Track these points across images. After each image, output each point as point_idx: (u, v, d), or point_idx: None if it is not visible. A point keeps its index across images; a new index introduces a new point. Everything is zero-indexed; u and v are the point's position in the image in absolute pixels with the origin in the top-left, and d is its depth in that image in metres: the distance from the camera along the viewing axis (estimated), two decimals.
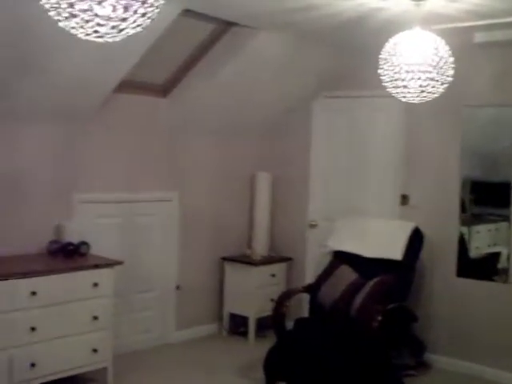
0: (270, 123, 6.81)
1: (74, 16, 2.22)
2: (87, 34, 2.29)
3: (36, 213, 5.22)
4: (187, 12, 4.78)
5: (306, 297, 5.99)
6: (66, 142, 5.40)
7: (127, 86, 5.50)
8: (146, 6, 2.31)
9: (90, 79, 4.93)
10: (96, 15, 2.22)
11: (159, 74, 5.82)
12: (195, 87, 5.85)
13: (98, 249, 5.29)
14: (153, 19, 2.39)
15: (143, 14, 2.33)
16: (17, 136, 5.08)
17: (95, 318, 4.94)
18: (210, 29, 5.51)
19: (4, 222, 5.03)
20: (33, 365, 4.60)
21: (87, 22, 2.23)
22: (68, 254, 5.11)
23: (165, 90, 5.97)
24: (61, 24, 2.27)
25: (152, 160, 6.03)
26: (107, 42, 2.43)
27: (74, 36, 2.37)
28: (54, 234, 5.29)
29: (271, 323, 5.55)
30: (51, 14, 2.26)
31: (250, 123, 6.64)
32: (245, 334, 6.54)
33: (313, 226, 6.74)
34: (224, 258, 6.66)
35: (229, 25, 5.43)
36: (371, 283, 5.26)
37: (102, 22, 2.25)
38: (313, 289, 5.68)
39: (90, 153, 5.55)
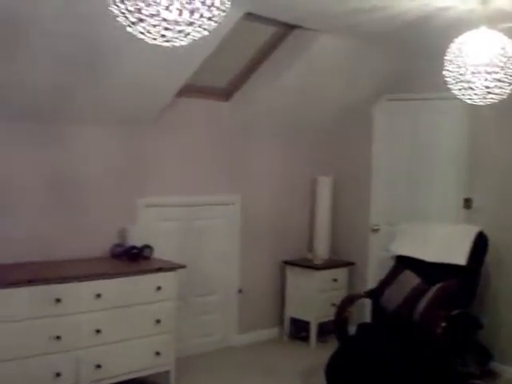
0: (331, 126, 6.75)
1: (142, 21, 2.23)
2: (154, 39, 2.30)
3: (100, 217, 5.29)
4: (249, 15, 4.78)
5: (367, 302, 5.92)
6: (130, 146, 5.45)
7: (190, 89, 5.53)
8: (212, 9, 2.31)
9: (154, 83, 4.97)
10: (163, 20, 2.23)
11: (221, 77, 5.84)
12: (257, 91, 5.85)
13: (160, 252, 5.34)
14: (218, 23, 2.39)
15: (209, 18, 2.33)
16: (81, 140, 5.16)
17: (158, 321, 4.97)
18: (271, 32, 5.49)
19: (69, 225, 5.12)
20: (98, 366, 4.66)
21: (154, 26, 2.23)
22: (132, 258, 5.16)
23: (227, 93, 5.98)
24: (128, 29, 2.29)
25: (214, 163, 6.04)
26: (173, 47, 2.44)
27: (140, 40, 2.38)
28: (118, 238, 5.35)
29: (333, 328, 5.49)
30: (119, 19, 2.28)
31: (311, 126, 6.59)
32: (306, 338, 6.50)
33: (375, 231, 6.66)
34: (285, 262, 6.63)
35: (290, 28, 5.41)
36: (434, 288, 5.15)
37: (169, 26, 2.25)
38: (375, 294, 5.60)
39: (153, 157, 5.59)
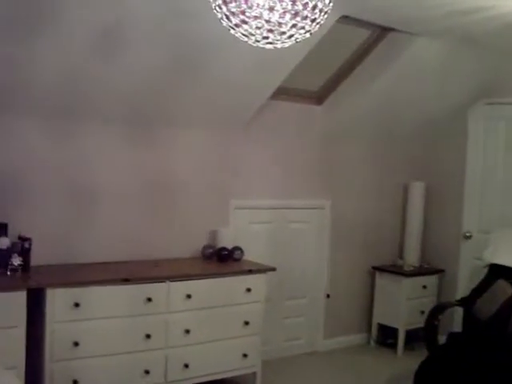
0: (424, 130, 6.60)
1: (245, 23, 2.21)
2: (257, 41, 2.28)
3: (193, 218, 5.34)
4: (344, 18, 4.72)
5: (458, 310, 5.77)
6: (222, 148, 5.48)
7: (282, 92, 5.51)
8: (315, 11, 2.27)
9: (247, 86, 4.97)
10: (267, 22, 2.20)
11: (314, 81, 5.79)
12: (350, 95, 5.78)
13: (250, 254, 5.34)
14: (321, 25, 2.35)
15: (313, 20, 2.29)
16: (174, 142, 5.22)
17: (247, 323, 4.96)
18: (365, 35, 5.42)
19: (163, 226, 5.18)
20: (186, 366, 4.69)
21: (258, 28, 2.21)
22: (222, 259, 5.18)
23: (320, 97, 5.92)
24: (232, 32, 2.27)
25: (305, 167, 6.00)
26: (267, 49, 2.42)
27: (237, 42, 2.37)
28: (209, 239, 5.39)
29: (421, 336, 5.37)
30: (223, 22, 2.26)
31: (404, 131, 6.47)
32: (393, 345, 6.38)
33: (467, 238, 6.47)
34: (375, 268, 6.53)
35: (385, 31, 5.32)
36: None
37: (272, 28, 2.22)
38: (467, 302, 5.44)
39: (245, 159, 5.61)
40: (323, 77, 5.80)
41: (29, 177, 4.58)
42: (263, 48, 2.42)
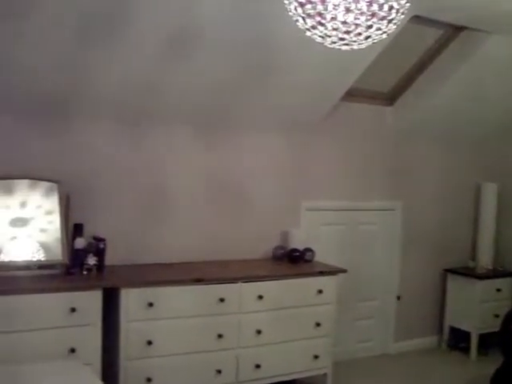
0: (496, 131, 6.45)
1: (322, 25, 2.19)
2: (333, 42, 2.26)
3: (264, 219, 5.33)
4: (415, 18, 4.65)
5: None
6: (294, 150, 5.46)
7: (353, 93, 5.45)
8: (392, 12, 2.24)
9: (319, 87, 4.94)
10: (343, 23, 2.18)
11: (385, 81, 5.72)
12: (422, 95, 5.67)
13: (320, 255, 5.29)
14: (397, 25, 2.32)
15: (389, 21, 2.26)
16: (247, 143, 5.23)
17: (318, 324, 4.92)
18: (437, 34, 5.32)
19: (235, 227, 5.20)
20: (257, 366, 4.68)
21: (335, 30, 2.19)
22: (293, 260, 5.15)
23: (391, 97, 5.84)
24: (308, 33, 2.25)
25: (376, 169, 5.93)
26: (339, 51, 2.40)
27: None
28: (280, 240, 5.38)
29: (496, 340, 5.24)
30: (298, 24, 2.25)
31: (475, 132, 6.32)
32: (465, 349, 6.23)
33: None
34: (446, 270, 6.40)
35: (458, 29, 5.21)
36: None
37: (348, 29, 2.20)
38: None
39: (316, 160, 5.57)
40: (394, 77, 5.72)
41: (103, 179, 4.65)
42: (337, 49, 2.40)
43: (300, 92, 4.93)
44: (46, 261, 4.29)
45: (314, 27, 2.22)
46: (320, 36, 2.24)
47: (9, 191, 4.26)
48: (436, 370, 5.82)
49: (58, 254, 4.32)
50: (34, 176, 4.34)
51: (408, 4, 2.31)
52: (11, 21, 3.62)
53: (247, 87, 4.73)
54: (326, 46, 2.40)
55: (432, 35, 5.33)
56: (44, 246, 4.31)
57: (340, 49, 2.29)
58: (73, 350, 3.99)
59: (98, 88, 4.32)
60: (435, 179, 6.34)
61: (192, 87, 4.56)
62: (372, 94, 5.75)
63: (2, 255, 4.17)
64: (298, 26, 2.33)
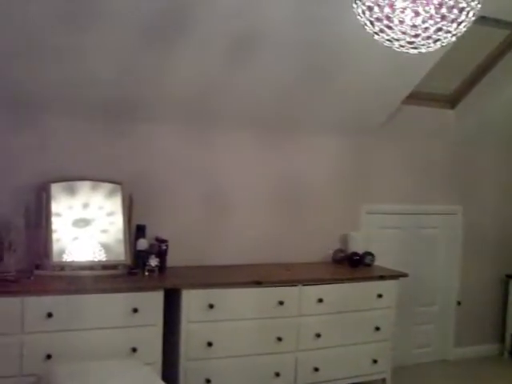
0: None
1: (390, 28, 2.16)
2: (401, 46, 2.22)
3: (324, 222, 5.30)
4: (480, 19, 4.54)
5: None
6: (354, 153, 5.41)
7: (414, 96, 5.36)
8: (462, 14, 2.19)
9: (380, 90, 4.88)
10: (412, 26, 2.15)
11: (447, 84, 5.61)
12: (485, 98, 5.55)
13: (380, 259, 5.23)
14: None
15: (459, 23, 2.21)
16: (305, 147, 5.21)
17: (377, 328, 4.87)
18: (503, 35, 5.20)
19: (293, 230, 5.18)
20: (316, 369, 4.65)
21: (403, 33, 2.15)
22: (353, 264, 5.11)
23: (453, 100, 5.72)
24: (376, 37, 2.22)
25: (438, 172, 5.83)
26: (401, 54, 2.36)
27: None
28: (340, 244, 5.34)
29: None
30: (366, 28, 2.22)
31: None
32: None
33: None
34: (508, 276, 6.24)
35: None
36: None
37: (417, 32, 2.16)
38: None
39: (376, 164, 5.51)
40: (457, 79, 5.61)
41: (166, 180, 4.70)
42: (400, 52, 2.36)
43: (362, 95, 4.89)
44: (109, 261, 4.35)
45: (381, 31, 2.19)
46: (388, 40, 2.21)
47: (72, 192, 4.33)
48: (497, 378, 5.68)
49: (121, 255, 4.37)
50: (98, 178, 4.41)
51: (479, 5, 2.26)
52: (80, 32, 3.69)
53: (310, 90, 4.70)
54: (388, 49, 2.36)
55: (497, 36, 5.21)
56: (105, 247, 4.37)
57: (408, 52, 2.26)
58: (134, 350, 4.03)
59: (161, 91, 4.36)
60: (497, 183, 6.20)
61: (255, 89, 4.56)
62: (434, 97, 5.64)
63: (65, 255, 4.25)
64: (364, 29, 2.30)
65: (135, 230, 4.49)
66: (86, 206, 4.38)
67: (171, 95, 4.41)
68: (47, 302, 3.81)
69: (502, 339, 6.32)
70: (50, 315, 3.80)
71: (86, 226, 4.36)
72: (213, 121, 4.77)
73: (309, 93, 4.73)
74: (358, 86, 4.77)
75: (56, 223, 4.25)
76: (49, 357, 3.80)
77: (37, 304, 3.79)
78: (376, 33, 2.21)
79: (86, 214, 4.37)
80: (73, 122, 4.39)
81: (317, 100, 4.83)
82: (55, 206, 4.26)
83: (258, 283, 4.40)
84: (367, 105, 5.03)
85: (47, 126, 4.33)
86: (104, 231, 4.40)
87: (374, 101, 5.00)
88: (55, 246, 4.21)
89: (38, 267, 4.17)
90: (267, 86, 4.55)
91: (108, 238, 4.40)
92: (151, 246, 4.47)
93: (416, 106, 5.51)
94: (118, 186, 4.46)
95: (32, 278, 4.03)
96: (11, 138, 4.24)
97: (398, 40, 2.18)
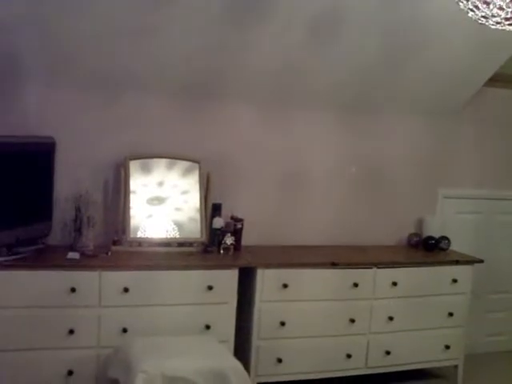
0: None
1: (487, 4, 2.06)
2: (498, 23, 2.12)
3: (400, 206, 5.19)
4: None
5: None
6: (433, 135, 5.26)
7: (497, 79, 5.17)
8: None
9: (463, 70, 4.73)
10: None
11: None
12: None
13: (456, 244, 5.09)
14: None
15: None
16: (381, 129, 5.09)
17: (451, 314, 4.75)
18: None
19: (369, 212, 5.09)
20: (387, 353, 4.58)
21: (501, 9, 2.05)
22: (428, 248, 4.99)
23: None
24: (470, 14, 2.12)
25: None
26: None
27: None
28: (415, 228, 5.23)
29: None
30: (461, 4, 2.12)
31: None
32: None
33: None
34: None
35: None
36: None
37: None
38: None
39: (454, 147, 5.34)
40: None
41: (243, 160, 4.67)
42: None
43: (445, 74, 4.74)
44: (185, 238, 4.35)
45: (477, 7, 2.09)
46: (483, 16, 2.11)
47: (148, 171, 4.34)
48: None
49: (196, 232, 4.37)
50: (176, 156, 4.40)
51: None
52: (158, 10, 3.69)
53: (391, 69, 4.59)
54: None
55: None
56: (178, 225, 4.37)
57: (504, 29, 2.14)
58: (208, 327, 4.04)
59: (242, 70, 4.32)
60: None
61: (336, 68, 4.47)
62: None
63: (140, 232, 4.27)
64: (453, 6, 2.21)
65: (211, 209, 4.48)
66: (160, 184, 4.38)
67: (252, 75, 4.37)
68: (124, 277, 3.85)
69: None
70: (126, 290, 3.83)
71: (160, 203, 4.37)
72: (292, 100, 4.70)
73: (390, 72, 4.61)
74: (441, 66, 4.62)
75: (131, 201, 4.27)
76: (125, 330, 3.85)
77: (114, 279, 3.84)
78: (471, 9, 2.10)
79: (160, 192, 4.38)
80: (152, 100, 4.39)
81: (398, 80, 4.70)
82: (131, 184, 4.28)
83: (334, 264, 4.35)
84: (449, 85, 4.88)
85: (128, 104, 4.34)
86: (178, 209, 4.41)
87: (456, 81, 4.84)
88: (133, 220, 4.24)
89: (115, 243, 4.20)
90: (348, 65, 4.46)
91: (182, 217, 4.40)
92: (227, 224, 4.45)
93: (498, 89, 5.33)
94: (196, 165, 4.45)
95: (109, 253, 4.07)
96: (91, 115, 4.27)
97: (494, 16, 2.07)
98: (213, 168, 4.47)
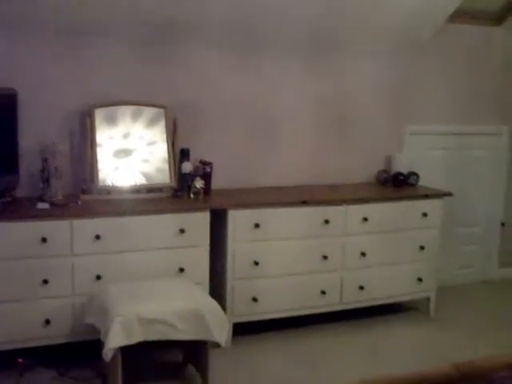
0: None
1: None
2: None
3: (369, 144, 5.18)
4: None
5: None
6: (398, 72, 5.22)
7: (459, 15, 5.13)
8: None
9: (424, 8, 4.69)
10: None
11: (494, 0, 5.35)
12: None
13: (425, 180, 5.10)
14: None
15: None
16: (348, 67, 5.03)
17: (422, 247, 4.79)
18: None
19: (338, 151, 5.07)
20: (361, 288, 4.61)
21: None
22: (397, 184, 5.00)
23: (500, 17, 5.44)
24: None
25: (483, 93, 5.59)
26: None
27: None
28: (384, 165, 5.23)
29: None
30: None
31: None
32: None
33: None
34: None
35: None
36: None
37: None
38: None
39: (422, 84, 5.32)
40: None
41: (210, 104, 4.61)
42: None
43: (405, 12, 4.68)
44: (155, 184, 4.31)
45: None
46: None
47: (113, 122, 4.25)
48: None
49: (165, 179, 4.32)
50: (141, 102, 4.32)
51: None
52: None
53: (353, 6, 4.52)
54: None
55: None
56: (146, 176, 4.31)
57: None
58: (182, 270, 4.02)
59: (210, 13, 4.23)
60: None
61: (298, 11, 4.40)
62: (480, 15, 5.38)
63: (108, 181, 4.20)
64: None
65: (179, 154, 4.42)
66: (126, 135, 4.30)
67: (219, 18, 4.29)
68: (95, 224, 3.80)
69: None
70: (98, 237, 3.79)
71: (127, 156, 4.29)
72: (258, 44, 4.64)
73: (352, 9, 4.54)
74: (400, 3, 4.57)
75: (98, 153, 4.19)
76: (99, 278, 3.81)
77: (85, 227, 3.78)
78: None
79: (127, 145, 4.30)
80: (116, 47, 4.29)
81: (361, 17, 4.64)
82: (97, 137, 4.19)
83: (304, 203, 4.33)
84: (410, 23, 4.83)
85: (90, 52, 4.24)
86: (145, 161, 4.34)
87: (417, 19, 4.81)
88: (100, 173, 4.17)
89: (84, 192, 4.15)
90: (311, 8, 4.39)
91: (150, 168, 4.34)
92: (196, 168, 4.39)
93: (461, 25, 5.29)
94: (161, 111, 4.37)
95: (79, 202, 4.00)
96: (56, 64, 4.17)
97: None
98: (180, 114, 4.41)
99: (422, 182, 5.09)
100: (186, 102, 4.49)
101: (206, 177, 4.39)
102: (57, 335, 3.79)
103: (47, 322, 3.73)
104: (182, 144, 4.42)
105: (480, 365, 2.27)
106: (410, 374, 2.22)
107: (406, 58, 5.20)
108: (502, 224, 5.89)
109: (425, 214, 4.76)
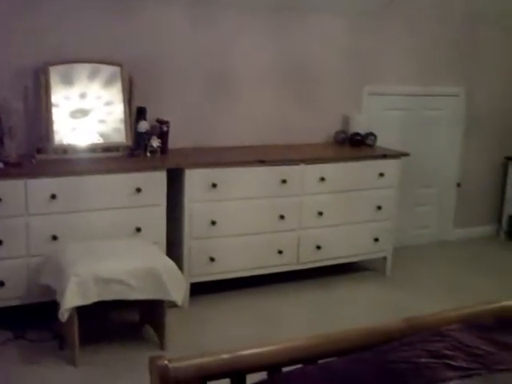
0: None
1: None
2: None
3: (327, 104, 5.15)
4: None
5: None
6: (358, 34, 5.17)
7: None
8: None
9: None
10: None
11: None
12: None
13: (383, 141, 5.11)
14: None
15: None
16: (307, 28, 4.97)
17: (379, 207, 4.82)
18: None
19: (296, 111, 5.02)
20: (318, 247, 4.64)
21: None
22: (355, 144, 5.01)
23: None
24: None
25: (442, 53, 5.58)
26: None
27: None
28: (342, 125, 5.21)
29: None
30: None
31: None
32: None
33: None
34: (508, 158, 6.12)
35: None
36: None
37: None
38: None
39: (381, 45, 5.29)
40: None
41: (167, 62, 4.51)
42: None
43: None
44: (110, 143, 4.25)
45: None
46: None
47: (69, 81, 4.14)
48: (492, 257, 5.70)
49: (121, 138, 4.27)
50: (97, 60, 4.23)
51: None
52: None
53: None
54: None
55: None
56: (103, 136, 4.23)
57: None
58: (138, 230, 3.99)
59: None
60: (504, 66, 5.96)
61: None
62: None
63: (64, 140, 4.13)
64: None
65: (136, 113, 4.35)
66: (83, 95, 4.21)
67: None
68: (51, 184, 3.73)
69: (500, 220, 6.29)
70: (53, 197, 3.72)
71: (83, 116, 4.21)
72: (219, 2, 4.56)
73: None
74: None
75: (54, 114, 4.09)
76: (55, 238, 3.76)
77: (40, 186, 3.72)
78: None
79: (83, 104, 4.21)
80: (70, 2, 4.16)
81: None
82: (53, 97, 4.08)
83: (261, 162, 4.32)
84: None
85: (44, 7, 4.09)
86: (102, 121, 4.25)
87: None
88: (56, 134, 4.09)
89: (39, 151, 4.06)
90: None
91: (106, 128, 4.25)
92: (152, 127, 4.34)
93: None
94: (118, 69, 4.27)
95: (34, 161, 3.93)
96: (8, 19, 4.02)
97: None
98: (136, 72, 4.32)
99: (379, 143, 5.10)
100: (142, 59, 4.38)
101: (163, 136, 4.34)
102: (12, 297, 3.74)
103: (1, 283, 3.68)
104: (139, 103, 4.35)
105: (430, 319, 2.30)
106: (362, 328, 2.25)
107: (366, 18, 5.16)
108: (458, 184, 5.96)
109: (382, 174, 4.78)
